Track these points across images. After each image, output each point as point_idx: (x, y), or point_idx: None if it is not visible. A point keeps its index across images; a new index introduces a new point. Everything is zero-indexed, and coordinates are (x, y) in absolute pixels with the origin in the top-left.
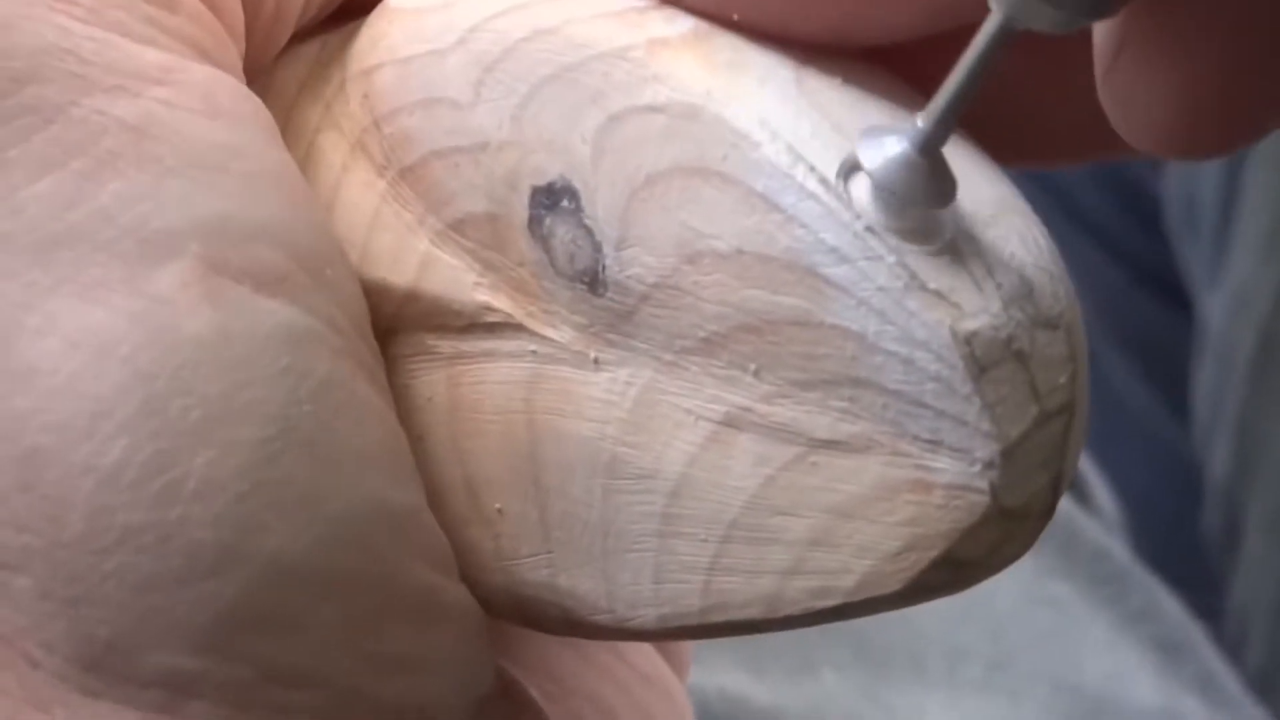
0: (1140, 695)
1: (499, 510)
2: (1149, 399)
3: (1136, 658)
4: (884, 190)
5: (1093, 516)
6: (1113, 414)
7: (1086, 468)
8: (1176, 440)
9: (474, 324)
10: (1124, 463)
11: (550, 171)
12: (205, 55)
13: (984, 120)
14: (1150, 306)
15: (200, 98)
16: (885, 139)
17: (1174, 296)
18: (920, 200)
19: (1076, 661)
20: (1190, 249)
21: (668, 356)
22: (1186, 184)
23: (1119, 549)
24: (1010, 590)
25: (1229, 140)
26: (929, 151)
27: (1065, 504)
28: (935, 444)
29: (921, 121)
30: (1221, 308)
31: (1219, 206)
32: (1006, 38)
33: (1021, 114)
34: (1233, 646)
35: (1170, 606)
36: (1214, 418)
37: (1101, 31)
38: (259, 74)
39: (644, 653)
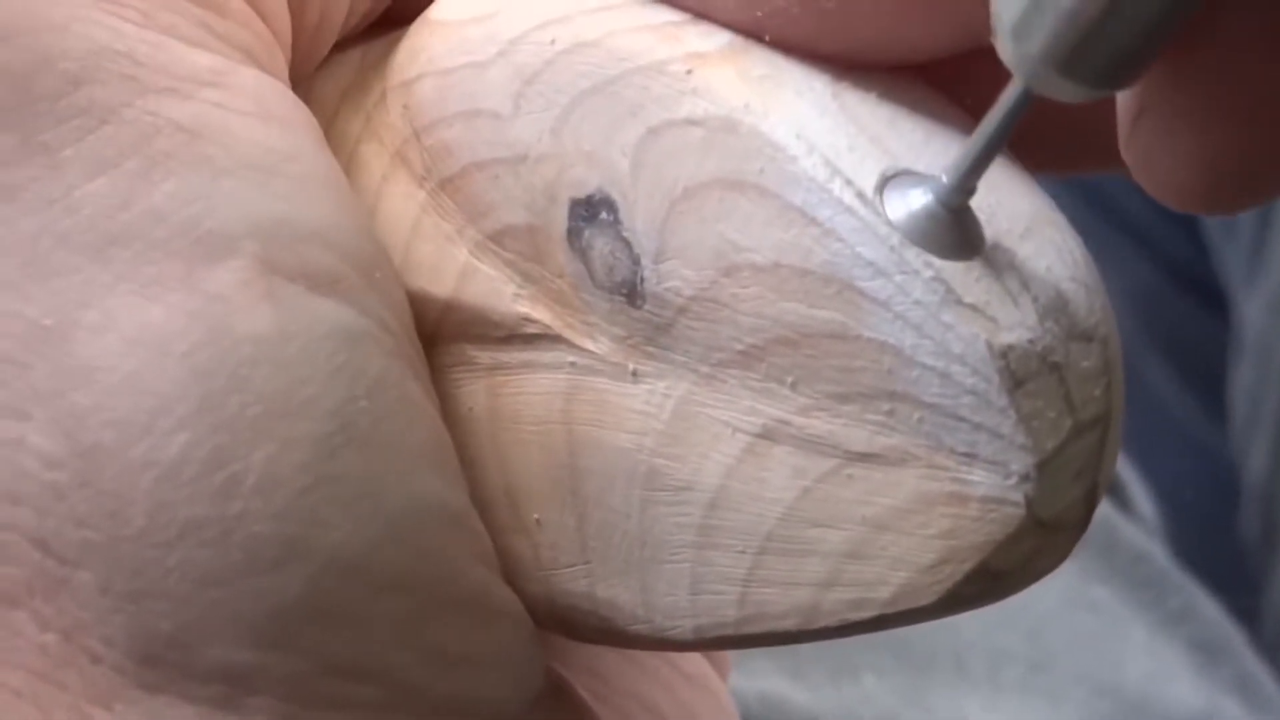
0: (1179, 697)
1: (538, 520)
2: (1186, 401)
3: (1175, 659)
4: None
5: (1132, 520)
6: (1150, 416)
7: (1125, 471)
8: (1214, 442)
9: (513, 335)
10: (1161, 464)
11: (589, 184)
12: (254, 60)
13: (1028, 130)
14: (1188, 308)
15: (251, 101)
16: (910, 191)
17: (1211, 298)
18: (944, 254)
19: (1116, 663)
20: (1228, 251)
21: (705, 369)
22: None
23: (1158, 552)
24: (1050, 593)
25: (1247, 200)
26: (953, 205)
27: (1104, 508)
28: (971, 457)
29: (946, 177)
30: (1259, 310)
31: (1257, 209)
32: (1027, 104)
33: (1066, 124)
34: (1271, 648)
35: (1209, 608)
36: (1251, 419)
37: (1123, 95)
38: (302, 82)
39: (688, 654)
